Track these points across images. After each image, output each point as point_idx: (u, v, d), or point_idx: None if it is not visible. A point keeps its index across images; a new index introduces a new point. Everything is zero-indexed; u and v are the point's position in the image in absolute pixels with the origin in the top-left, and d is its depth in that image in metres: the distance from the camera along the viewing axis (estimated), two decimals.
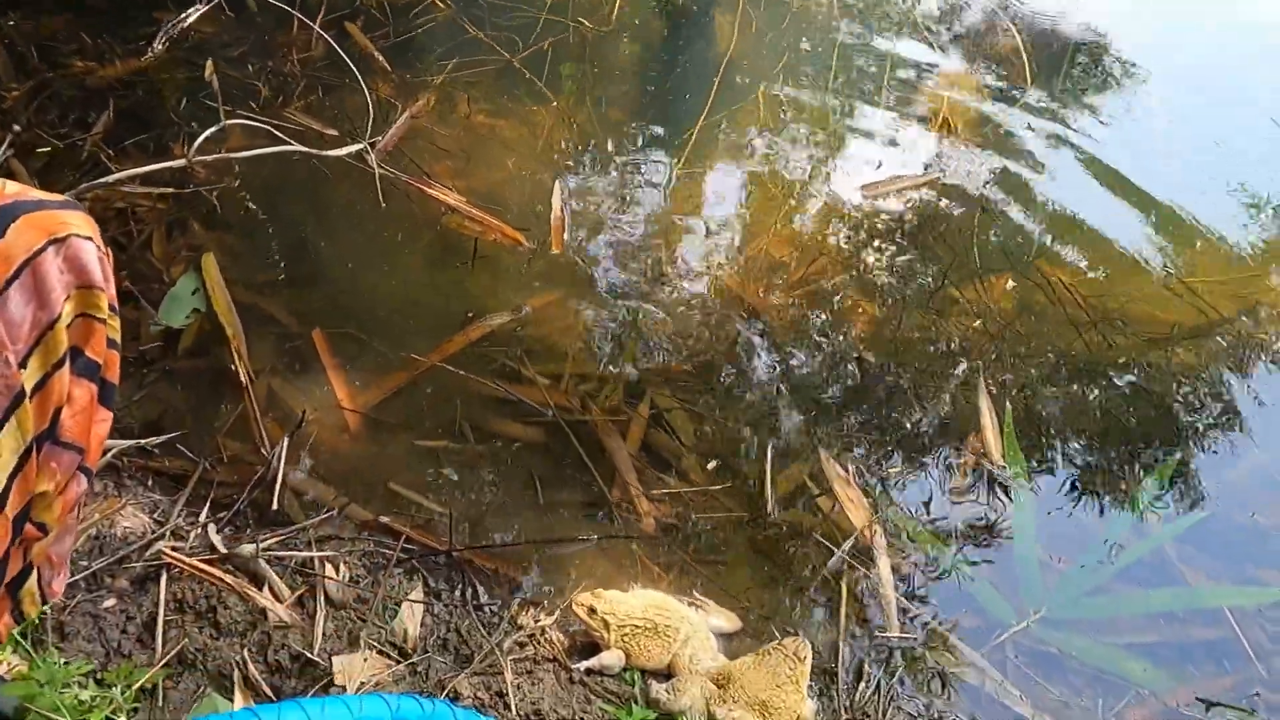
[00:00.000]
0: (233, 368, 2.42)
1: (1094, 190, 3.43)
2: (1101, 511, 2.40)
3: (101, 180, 2.42)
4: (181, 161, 2.43)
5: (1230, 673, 2.09)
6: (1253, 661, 2.11)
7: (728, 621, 2.06)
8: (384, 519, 2.17)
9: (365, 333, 2.58)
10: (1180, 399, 2.73)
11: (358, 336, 2.57)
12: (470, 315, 2.67)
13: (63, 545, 1.23)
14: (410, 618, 1.92)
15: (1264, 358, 2.87)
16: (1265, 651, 2.13)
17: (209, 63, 3.02)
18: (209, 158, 2.60)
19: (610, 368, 2.64)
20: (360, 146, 2.80)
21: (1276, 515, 2.42)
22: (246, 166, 2.91)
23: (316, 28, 3.39)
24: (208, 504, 2.08)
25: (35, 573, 1.20)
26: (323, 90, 3.29)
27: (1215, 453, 2.59)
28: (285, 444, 2.22)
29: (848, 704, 1.93)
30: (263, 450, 2.25)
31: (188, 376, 2.42)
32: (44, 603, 1.25)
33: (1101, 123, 3.81)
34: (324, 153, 2.70)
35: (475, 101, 3.40)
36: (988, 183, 3.41)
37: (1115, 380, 2.75)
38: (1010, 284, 3.01)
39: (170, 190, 2.81)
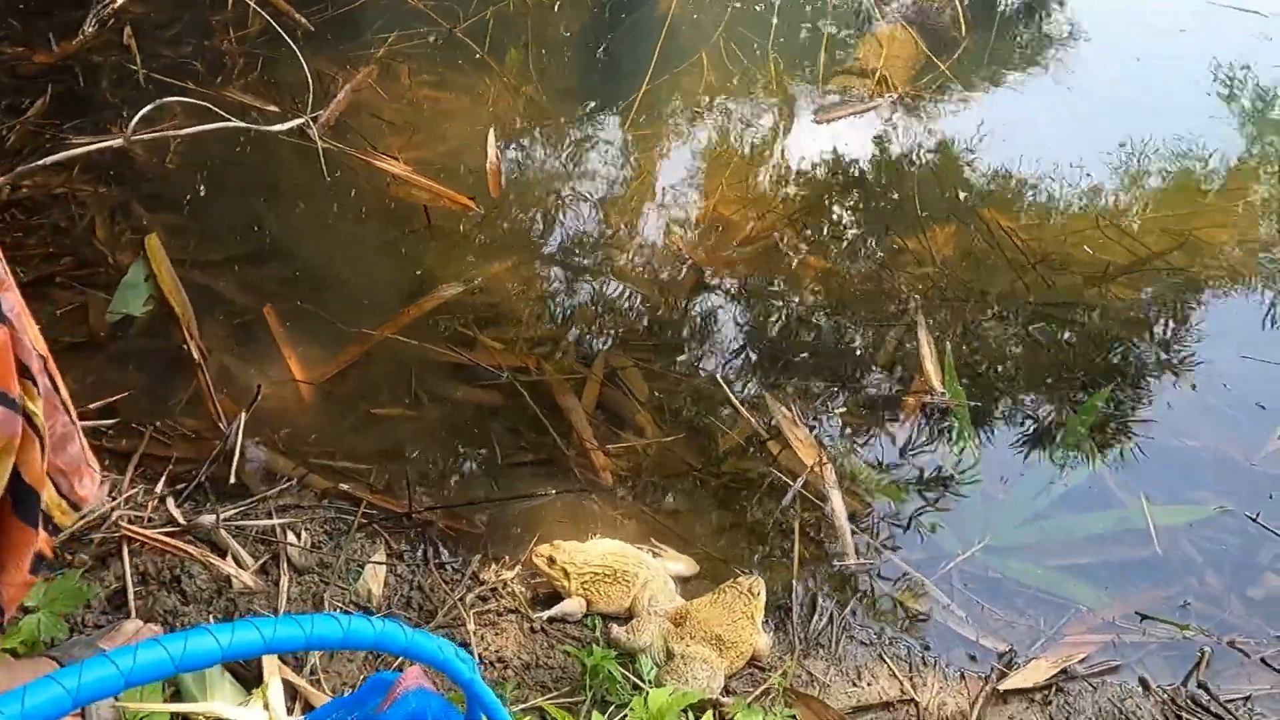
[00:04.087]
0: (185, 347, 2.43)
1: (1030, 137, 3.51)
2: (1041, 442, 2.50)
3: (38, 163, 2.40)
4: (119, 140, 2.42)
5: (1162, 586, 2.20)
6: (1182, 575, 2.22)
7: (685, 566, 2.12)
8: (344, 486, 2.20)
9: (317, 306, 2.59)
10: (1116, 332, 2.83)
11: (310, 310, 2.59)
12: (419, 274, 2.70)
13: (66, 453, 1.21)
14: (374, 578, 1.96)
15: (1194, 290, 2.98)
16: (1195, 565, 2.24)
17: (126, 29, 2.97)
18: (148, 136, 2.58)
19: (564, 330, 2.68)
20: (301, 121, 2.80)
21: (1205, 439, 2.53)
22: (188, 146, 2.89)
23: (253, 4, 3.35)
24: (165, 479, 2.10)
25: (51, 486, 1.19)
26: (261, 67, 3.26)
27: (1150, 382, 2.69)
28: (242, 419, 2.23)
29: (802, 635, 2.01)
30: (220, 426, 2.26)
31: (140, 357, 2.43)
32: (76, 509, 1.24)
33: (1036, 73, 3.89)
34: (264, 128, 2.70)
35: (417, 73, 3.40)
36: (927, 133, 3.48)
37: (1054, 317, 2.84)
38: (953, 231, 3.09)
39: (111, 172, 2.79)
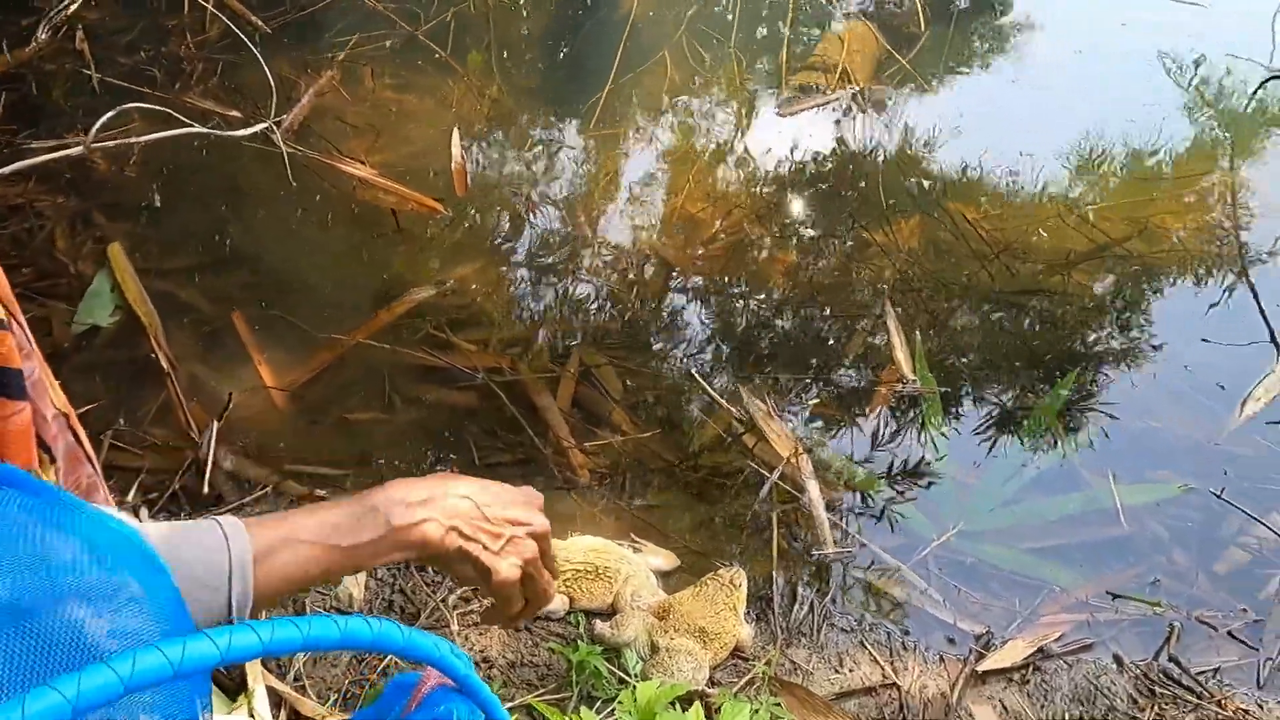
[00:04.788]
0: (153, 356, 2.39)
1: (991, 129, 3.57)
2: (1010, 427, 2.54)
3: None
4: (79, 149, 2.38)
5: (1132, 565, 2.26)
6: (1151, 553, 2.27)
7: (666, 560, 2.14)
8: (320, 492, 2.18)
9: (287, 312, 2.57)
10: (1080, 318, 2.89)
11: (280, 316, 2.56)
12: (388, 278, 2.68)
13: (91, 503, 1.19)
14: (354, 583, 1.95)
15: (1153, 276, 3.05)
16: (1163, 543, 2.30)
17: (79, 31, 2.92)
18: (109, 144, 2.54)
19: (537, 329, 2.68)
20: (264, 126, 2.77)
21: (1169, 420, 2.59)
22: (148, 153, 2.84)
23: (210, 7, 3.31)
24: (137, 490, 2.07)
25: None
26: (221, 72, 3.22)
27: (1114, 365, 2.75)
28: (215, 428, 2.21)
29: (784, 625, 2.03)
30: (191, 435, 2.24)
31: (107, 368, 2.39)
32: None
33: (995, 65, 3.95)
34: (226, 133, 2.67)
35: (380, 76, 3.38)
36: (889, 127, 3.53)
37: (1018, 305, 2.90)
38: (918, 223, 3.13)
39: (68, 178, 2.75)
